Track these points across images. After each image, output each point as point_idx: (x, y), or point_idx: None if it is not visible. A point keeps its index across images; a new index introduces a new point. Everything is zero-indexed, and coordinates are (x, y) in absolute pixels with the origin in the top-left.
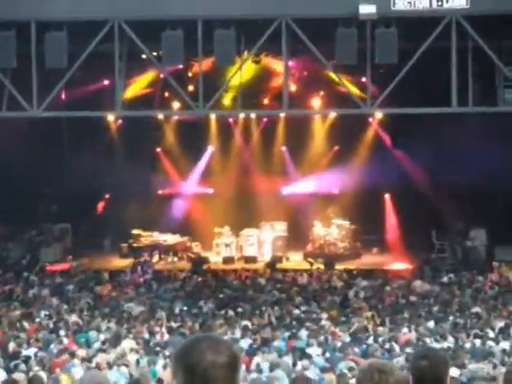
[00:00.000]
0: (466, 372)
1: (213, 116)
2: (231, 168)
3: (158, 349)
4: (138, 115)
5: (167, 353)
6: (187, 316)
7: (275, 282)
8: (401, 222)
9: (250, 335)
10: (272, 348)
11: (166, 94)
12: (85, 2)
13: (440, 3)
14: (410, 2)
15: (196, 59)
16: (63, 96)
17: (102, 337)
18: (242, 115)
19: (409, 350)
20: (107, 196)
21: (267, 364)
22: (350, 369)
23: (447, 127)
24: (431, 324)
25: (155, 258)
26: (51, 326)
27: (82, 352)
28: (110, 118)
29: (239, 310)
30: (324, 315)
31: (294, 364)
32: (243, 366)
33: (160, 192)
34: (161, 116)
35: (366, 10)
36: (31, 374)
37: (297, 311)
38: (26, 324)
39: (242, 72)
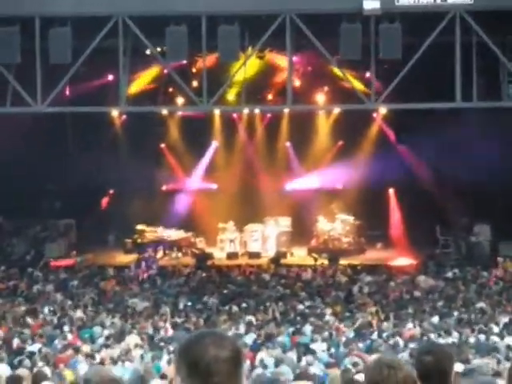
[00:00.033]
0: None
1: (217, 111)
2: (235, 163)
3: (162, 344)
4: (142, 111)
5: (171, 348)
6: (191, 311)
7: (279, 277)
8: (405, 217)
9: (254, 330)
10: (276, 343)
11: (170, 90)
12: None
13: None
14: None
15: (200, 55)
16: (67, 91)
17: (107, 332)
18: (246, 111)
19: (413, 345)
20: (111, 191)
21: (272, 359)
22: (355, 364)
23: (451, 122)
24: (435, 319)
25: (159, 254)
26: (55, 321)
27: (86, 347)
28: (114, 113)
29: (243, 305)
30: (328, 310)
31: (299, 359)
32: (247, 362)
33: (164, 187)
34: (165, 111)
35: (370, 5)
36: (35, 369)
37: (301, 306)
38: (30, 320)
39: (246, 68)
